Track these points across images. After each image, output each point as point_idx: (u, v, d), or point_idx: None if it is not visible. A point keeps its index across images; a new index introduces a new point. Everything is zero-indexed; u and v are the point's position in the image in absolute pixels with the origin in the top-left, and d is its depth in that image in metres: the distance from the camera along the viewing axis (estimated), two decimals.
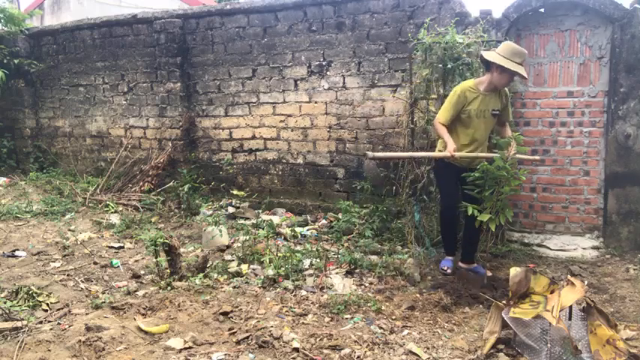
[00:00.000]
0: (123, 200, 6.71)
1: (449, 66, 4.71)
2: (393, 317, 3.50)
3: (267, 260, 4.37)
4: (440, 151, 4.25)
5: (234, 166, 6.84)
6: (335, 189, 6.26)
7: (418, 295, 3.84)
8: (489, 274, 4.24)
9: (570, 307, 2.97)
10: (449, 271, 4.30)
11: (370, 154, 4.09)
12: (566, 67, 5.02)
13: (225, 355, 2.92)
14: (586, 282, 4.10)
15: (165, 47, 6.88)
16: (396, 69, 5.69)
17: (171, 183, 6.74)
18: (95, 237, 5.51)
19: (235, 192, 6.11)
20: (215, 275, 4.27)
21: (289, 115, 6.38)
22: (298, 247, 4.98)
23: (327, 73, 6.07)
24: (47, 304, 3.71)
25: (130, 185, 7.11)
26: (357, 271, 4.36)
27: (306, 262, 4.48)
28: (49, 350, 2.95)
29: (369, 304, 3.63)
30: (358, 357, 2.90)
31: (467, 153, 4.12)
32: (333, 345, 3.03)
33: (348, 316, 3.50)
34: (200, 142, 7.04)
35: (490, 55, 4.00)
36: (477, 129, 4.14)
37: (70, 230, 5.62)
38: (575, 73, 5.00)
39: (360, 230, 5.20)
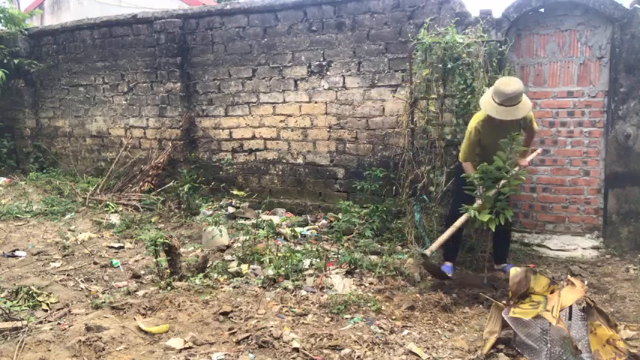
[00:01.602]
0: (123, 200, 6.71)
1: (449, 66, 4.72)
2: (393, 317, 3.50)
3: (267, 260, 4.37)
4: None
5: (234, 166, 6.84)
6: (335, 189, 6.25)
7: (418, 295, 3.84)
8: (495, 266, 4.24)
9: (570, 307, 2.97)
10: (450, 275, 4.22)
11: (427, 252, 3.97)
12: (566, 67, 5.02)
13: (225, 355, 2.92)
14: (586, 282, 4.09)
15: (165, 47, 6.88)
16: (396, 69, 5.69)
17: (171, 183, 6.74)
18: (95, 237, 5.51)
19: (235, 192, 6.10)
20: (215, 275, 4.27)
21: (289, 115, 6.38)
22: (298, 247, 4.98)
23: (327, 73, 6.07)
24: (47, 304, 3.72)
25: (130, 185, 7.11)
26: (357, 271, 4.36)
27: (306, 262, 4.49)
28: (49, 350, 2.95)
29: (369, 304, 3.63)
30: (358, 357, 2.90)
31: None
32: (333, 345, 3.03)
33: (348, 316, 3.50)
34: (200, 142, 7.04)
35: (482, 98, 4.00)
36: (494, 151, 3.98)
37: (70, 230, 5.62)
38: (575, 73, 5.00)
39: (360, 230, 5.20)
